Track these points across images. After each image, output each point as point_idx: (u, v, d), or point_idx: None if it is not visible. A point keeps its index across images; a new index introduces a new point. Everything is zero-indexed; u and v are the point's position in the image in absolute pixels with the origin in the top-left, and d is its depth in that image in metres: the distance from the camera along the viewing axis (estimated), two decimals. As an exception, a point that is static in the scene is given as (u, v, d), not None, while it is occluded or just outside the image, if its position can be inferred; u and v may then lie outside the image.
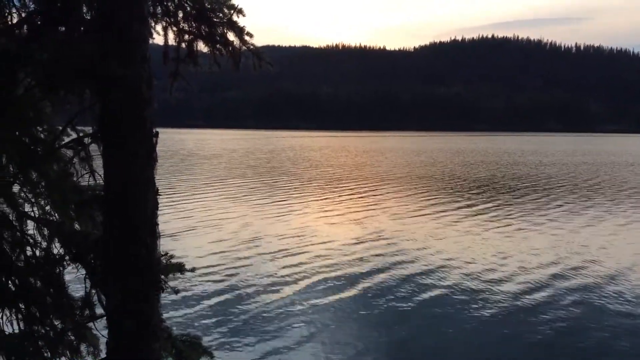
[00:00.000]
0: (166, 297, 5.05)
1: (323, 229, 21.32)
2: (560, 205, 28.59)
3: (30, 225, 5.14)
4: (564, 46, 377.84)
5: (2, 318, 5.08)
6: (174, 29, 5.27)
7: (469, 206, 28.04)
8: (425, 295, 13.44)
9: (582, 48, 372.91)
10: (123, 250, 4.45)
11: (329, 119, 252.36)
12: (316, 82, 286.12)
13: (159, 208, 4.81)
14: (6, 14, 5.03)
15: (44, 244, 5.07)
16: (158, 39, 5.21)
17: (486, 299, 13.21)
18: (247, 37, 5.28)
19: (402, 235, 20.35)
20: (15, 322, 5.11)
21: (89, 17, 4.82)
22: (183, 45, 5.33)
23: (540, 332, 11.29)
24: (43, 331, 5.15)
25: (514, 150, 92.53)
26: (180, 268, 5.20)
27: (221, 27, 5.25)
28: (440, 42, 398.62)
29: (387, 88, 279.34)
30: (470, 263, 16.40)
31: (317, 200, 30.06)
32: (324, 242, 18.92)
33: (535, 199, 31.33)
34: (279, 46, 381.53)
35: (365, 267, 15.80)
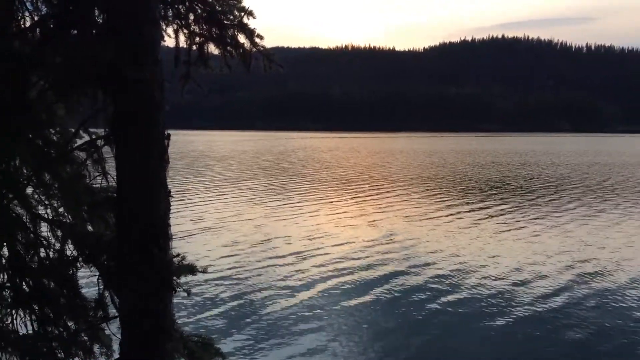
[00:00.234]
0: (178, 298, 5.07)
1: (335, 231, 21.30)
2: (574, 207, 28.30)
3: (44, 227, 5.18)
4: (575, 46, 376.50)
5: (16, 319, 5.12)
6: (185, 31, 5.31)
7: (481, 207, 27.89)
8: (439, 298, 13.34)
9: (593, 48, 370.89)
10: (136, 251, 4.48)
11: (338, 120, 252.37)
12: (325, 83, 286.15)
13: (171, 209, 4.85)
14: (19, 18, 5.08)
15: (58, 246, 5.11)
16: (169, 42, 5.25)
17: (500, 301, 13.13)
18: (257, 39, 5.30)
19: (415, 237, 20.28)
20: (29, 323, 5.15)
21: (100, 21, 4.87)
22: (194, 47, 5.36)
23: (554, 335, 11.19)
24: (57, 332, 5.19)
25: (525, 150, 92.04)
26: (192, 269, 5.22)
27: (232, 29, 5.28)
28: (450, 42, 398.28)
29: (396, 89, 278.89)
30: (484, 265, 16.28)
31: (329, 201, 30.03)
32: (336, 244, 18.88)
33: (548, 200, 31.08)
34: (288, 47, 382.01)
35: (378, 269, 15.73)
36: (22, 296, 5.10)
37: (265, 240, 19.27)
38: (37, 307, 5.12)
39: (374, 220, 23.74)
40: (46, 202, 5.26)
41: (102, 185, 5.15)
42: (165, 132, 4.60)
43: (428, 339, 11.08)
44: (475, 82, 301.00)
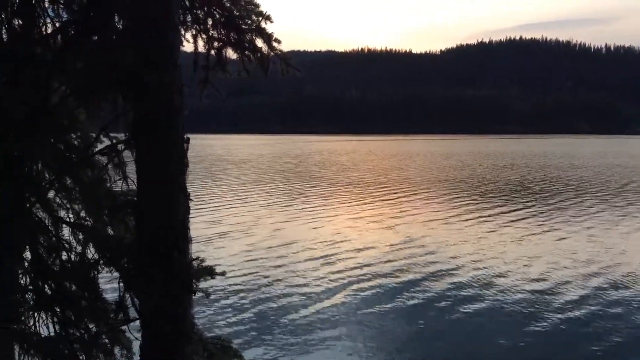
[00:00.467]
0: (197, 301, 5.10)
1: (353, 235, 21.27)
2: (597, 210, 27.74)
3: (66, 230, 5.25)
4: (594, 47, 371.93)
5: (38, 321, 5.20)
6: (204, 36, 5.36)
7: (502, 211, 27.59)
8: (461, 304, 13.21)
9: (612, 49, 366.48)
10: (156, 254, 4.52)
11: (354, 123, 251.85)
12: (342, 86, 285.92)
13: (190, 213, 4.88)
14: (41, 24, 5.17)
15: (79, 249, 5.18)
16: (187, 47, 5.30)
17: (524, 307, 12.99)
18: (275, 43, 5.34)
19: (435, 241, 20.16)
20: (51, 325, 5.22)
21: (120, 26, 4.93)
22: (212, 52, 5.41)
23: (579, 343, 11.05)
24: (78, 334, 5.25)
25: (544, 152, 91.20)
26: (211, 272, 5.25)
27: (250, 34, 5.32)
28: (467, 44, 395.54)
29: (413, 91, 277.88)
30: (507, 270, 16.10)
31: (347, 205, 30.00)
32: (355, 248, 18.82)
33: (570, 203, 30.67)
34: (304, 51, 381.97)
35: (398, 274, 15.64)
36: (44, 299, 5.16)
37: (284, 244, 19.27)
38: (59, 310, 5.18)
39: (392, 224, 23.62)
40: (68, 206, 5.33)
41: (123, 189, 5.21)
42: (185, 136, 4.64)
43: (450, 344, 10.98)
44: (493, 84, 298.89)
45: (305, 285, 14.51)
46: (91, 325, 5.26)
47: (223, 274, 5.52)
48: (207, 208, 27.28)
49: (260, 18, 5.25)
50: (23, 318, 5.10)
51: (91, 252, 5.14)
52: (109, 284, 5.51)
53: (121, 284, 5.11)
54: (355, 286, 14.42)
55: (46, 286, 5.19)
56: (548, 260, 17.28)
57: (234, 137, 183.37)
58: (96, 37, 5.02)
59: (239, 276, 15.01)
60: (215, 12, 5.26)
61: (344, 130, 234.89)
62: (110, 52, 4.78)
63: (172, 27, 4.49)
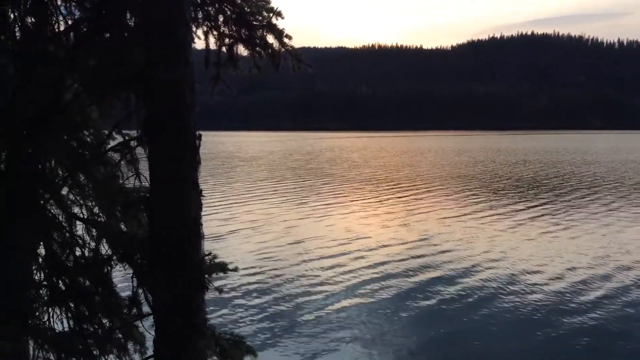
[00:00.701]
0: (209, 297, 5.13)
1: (366, 231, 21.22)
2: (613, 207, 27.19)
3: (79, 227, 5.29)
4: (607, 42, 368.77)
5: (52, 316, 5.24)
6: (215, 33, 5.38)
7: (514, 207, 27.36)
8: (474, 302, 13.08)
9: (625, 43, 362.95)
10: (169, 250, 4.54)
11: (366, 120, 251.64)
12: (353, 83, 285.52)
13: (202, 209, 4.90)
14: (54, 22, 5.20)
15: (93, 245, 5.22)
16: (199, 44, 5.32)
17: (534, 302, 12.92)
18: (286, 39, 5.35)
19: (447, 236, 20.09)
20: (65, 321, 5.26)
21: (132, 24, 4.95)
22: (223, 49, 5.43)
23: (588, 337, 10.96)
24: (92, 329, 5.29)
25: (556, 148, 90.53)
26: (223, 268, 5.28)
27: (261, 30, 5.33)
28: (478, 40, 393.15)
29: (424, 87, 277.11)
30: (517, 265, 16.01)
31: (359, 202, 29.95)
32: (368, 245, 18.74)
33: (585, 200, 30.28)
34: (314, 47, 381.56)
35: (412, 271, 15.54)
36: (58, 294, 5.21)
37: (296, 242, 19.25)
38: (72, 305, 5.22)
39: (405, 222, 23.47)
40: (81, 202, 5.38)
41: (135, 185, 5.24)
42: (197, 133, 4.66)
43: (465, 345, 10.83)
44: (504, 80, 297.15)
45: (317, 283, 14.47)
46: (105, 321, 5.30)
47: (235, 270, 5.56)
48: (219, 205, 27.36)
49: (271, 14, 5.27)
50: (37, 313, 5.14)
51: (104, 248, 5.18)
52: (122, 279, 5.55)
53: (134, 280, 5.14)
54: (368, 285, 14.30)
55: (60, 282, 5.23)
56: (565, 259, 16.98)
57: (245, 134, 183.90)
58: (108, 35, 5.05)
59: (250, 272, 15.03)
60: (226, 9, 5.27)
61: (355, 126, 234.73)
62: (122, 49, 4.81)
63: (183, 24, 4.50)
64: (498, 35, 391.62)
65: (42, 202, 5.12)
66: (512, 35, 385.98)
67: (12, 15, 5.01)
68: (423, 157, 69.60)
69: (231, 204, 28.31)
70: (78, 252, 5.26)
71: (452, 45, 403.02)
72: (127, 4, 4.84)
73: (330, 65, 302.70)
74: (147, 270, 4.97)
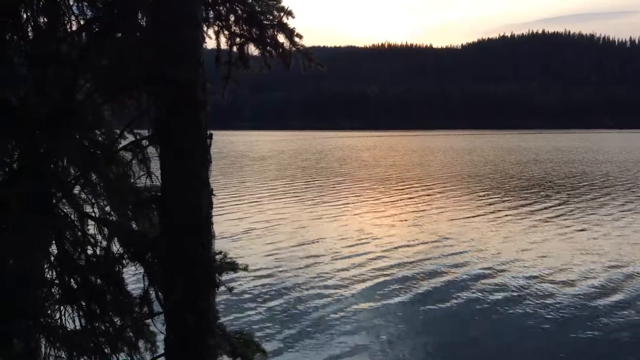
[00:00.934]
0: (220, 296, 5.14)
1: (378, 231, 21.16)
2: (628, 208, 26.73)
3: (91, 225, 5.32)
4: (618, 40, 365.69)
5: (64, 314, 5.26)
6: (226, 32, 5.38)
7: (527, 207, 27.12)
8: (486, 301, 13.03)
9: (637, 41, 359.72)
10: (180, 249, 4.56)
11: (376, 119, 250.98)
12: (363, 82, 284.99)
13: (213, 208, 4.92)
14: (66, 22, 5.23)
15: (104, 243, 5.24)
16: (210, 43, 5.33)
17: (545, 303, 12.82)
18: (297, 39, 5.34)
19: (458, 236, 20.01)
20: (76, 319, 5.29)
21: (144, 24, 4.97)
22: (234, 48, 5.43)
23: (605, 341, 10.81)
24: (103, 327, 5.31)
25: (568, 147, 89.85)
26: (233, 266, 5.30)
27: (271, 30, 5.33)
28: (489, 38, 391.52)
29: (435, 86, 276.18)
30: (531, 267, 15.87)
31: (369, 201, 29.90)
32: (379, 245, 18.67)
33: (596, 199, 29.98)
34: (324, 46, 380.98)
35: (422, 269, 15.51)
36: (70, 293, 5.23)
37: (307, 241, 19.23)
38: (84, 304, 5.24)
39: (417, 221, 23.35)
40: (93, 201, 5.40)
41: (147, 184, 5.27)
42: (208, 132, 4.68)
43: (472, 338, 10.90)
44: (515, 79, 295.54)
45: (328, 283, 14.44)
46: (116, 319, 5.32)
47: (246, 268, 5.57)
48: (229, 204, 27.43)
49: (282, 13, 5.27)
50: (49, 312, 5.18)
51: (116, 247, 5.20)
52: (133, 278, 5.58)
53: (145, 278, 5.16)
54: (380, 286, 14.19)
55: (72, 280, 5.26)
56: (580, 260, 16.78)
57: (255, 133, 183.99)
58: (120, 35, 5.07)
59: (261, 271, 15.07)
60: (237, 8, 5.28)
61: (364, 125, 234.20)
62: (134, 49, 4.83)
63: (194, 23, 4.52)
64: (509, 34, 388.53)
65: (54, 201, 5.16)
66: (522, 33, 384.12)
67: (24, 15, 5.04)
68: (433, 156, 69.40)
69: (242, 203, 28.36)
70: (90, 251, 5.29)
71: (462, 44, 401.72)
72: (138, 3, 4.86)
73: (339, 65, 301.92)
74: (158, 268, 4.99)
